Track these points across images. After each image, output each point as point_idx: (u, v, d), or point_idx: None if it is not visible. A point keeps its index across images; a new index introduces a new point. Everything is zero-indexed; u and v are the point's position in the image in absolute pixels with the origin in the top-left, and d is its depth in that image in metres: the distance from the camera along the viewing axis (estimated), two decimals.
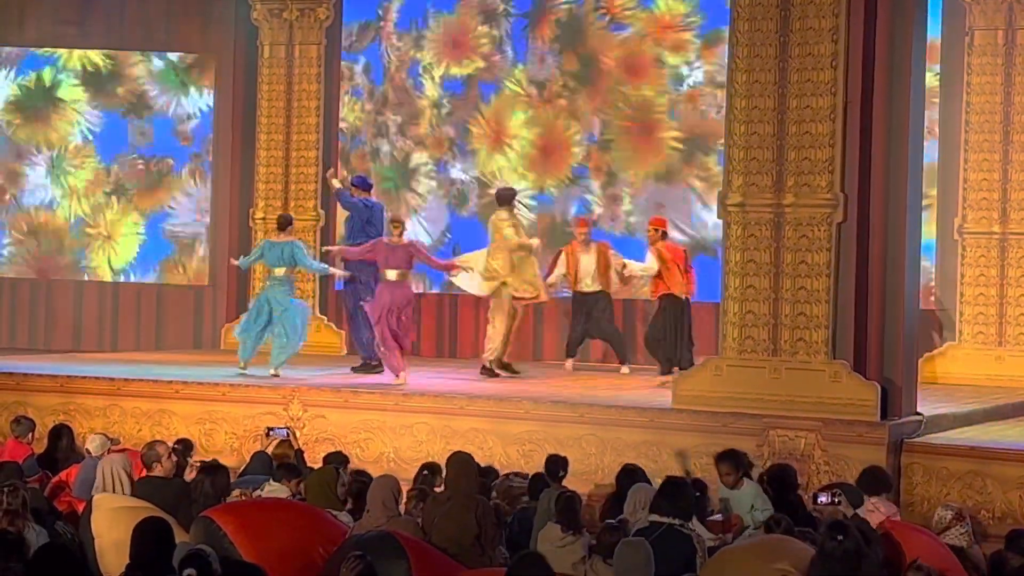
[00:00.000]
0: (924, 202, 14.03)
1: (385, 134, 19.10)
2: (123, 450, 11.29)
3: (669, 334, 15.00)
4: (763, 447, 12.08)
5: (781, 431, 12.11)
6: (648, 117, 18.06)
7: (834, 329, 12.33)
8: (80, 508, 10.00)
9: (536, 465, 11.68)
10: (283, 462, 11.26)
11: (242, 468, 11.89)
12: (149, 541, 7.41)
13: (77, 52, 19.88)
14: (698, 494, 10.00)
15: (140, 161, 19.85)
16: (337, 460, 11.40)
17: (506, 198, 15.84)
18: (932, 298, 16.81)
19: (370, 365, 15.63)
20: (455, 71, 18.77)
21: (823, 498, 9.61)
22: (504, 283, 15.44)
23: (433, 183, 18.90)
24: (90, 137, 19.94)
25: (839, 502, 9.55)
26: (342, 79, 18.86)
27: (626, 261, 15.87)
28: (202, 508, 9.11)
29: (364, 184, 16.37)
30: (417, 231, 18.50)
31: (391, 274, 14.69)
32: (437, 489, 10.53)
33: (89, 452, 11.21)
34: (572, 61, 18.32)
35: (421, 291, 18.71)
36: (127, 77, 19.91)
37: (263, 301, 15.21)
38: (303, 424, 13.59)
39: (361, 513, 9.56)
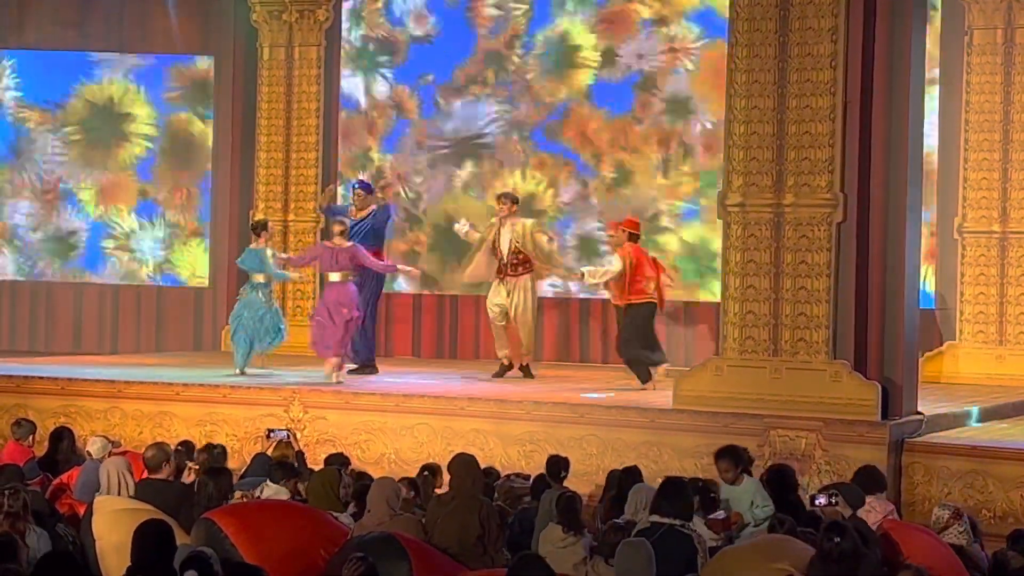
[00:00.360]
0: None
1: None
2: (124, 452, 11.29)
3: (639, 342, 14.63)
4: (764, 447, 12.08)
5: (782, 431, 12.11)
6: None
7: (834, 329, 12.34)
8: (81, 510, 10.00)
9: (537, 466, 11.69)
10: (285, 464, 11.26)
11: (243, 470, 11.89)
12: (150, 543, 7.41)
13: None
14: (712, 495, 10.01)
15: None
16: (338, 461, 11.41)
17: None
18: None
19: (366, 367, 15.68)
20: None
21: (820, 499, 9.62)
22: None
23: None
24: None
25: (836, 503, 9.55)
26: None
27: (584, 270, 15.50)
28: (203, 510, 9.11)
29: (368, 188, 16.38)
30: None
31: (334, 276, 14.98)
32: (438, 490, 10.54)
33: (90, 455, 11.20)
34: None
35: (422, 292, 18.76)
36: None
37: (240, 308, 15.50)
38: (304, 426, 13.60)
39: (363, 515, 9.56)
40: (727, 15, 13.01)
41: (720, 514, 9.86)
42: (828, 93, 12.36)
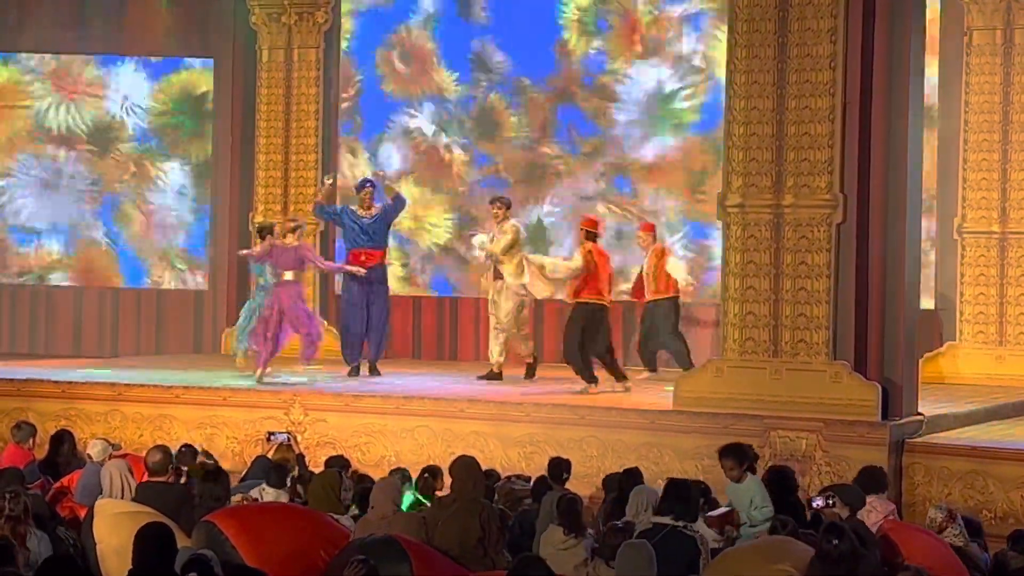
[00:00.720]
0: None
1: None
2: (124, 455, 11.29)
3: (576, 341, 14.47)
4: (764, 448, 12.07)
5: (782, 432, 12.12)
6: None
7: (834, 330, 12.34)
8: (82, 514, 10.00)
9: (538, 468, 11.69)
10: (281, 466, 11.26)
11: (244, 473, 11.89)
12: (151, 546, 7.40)
13: None
14: (703, 500, 9.99)
15: None
16: (338, 464, 11.40)
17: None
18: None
19: (372, 368, 15.72)
20: None
21: (818, 501, 9.63)
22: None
23: None
24: None
25: (833, 504, 9.55)
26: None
27: (544, 261, 15.45)
28: (204, 513, 9.11)
29: (374, 186, 16.34)
30: None
31: (287, 275, 15.20)
32: (439, 493, 10.54)
33: (90, 457, 11.20)
34: None
35: (422, 295, 18.76)
36: None
37: (253, 307, 15.64)
38: (304, 428, 13.60)
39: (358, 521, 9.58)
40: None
41: (720, 510, 9.86)
42: (827, 94, 12.36)
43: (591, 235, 14.77)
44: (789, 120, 12.51)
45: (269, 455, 12.02)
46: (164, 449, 10.32)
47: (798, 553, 8.07)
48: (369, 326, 15.80)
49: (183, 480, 10.50)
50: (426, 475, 11.21)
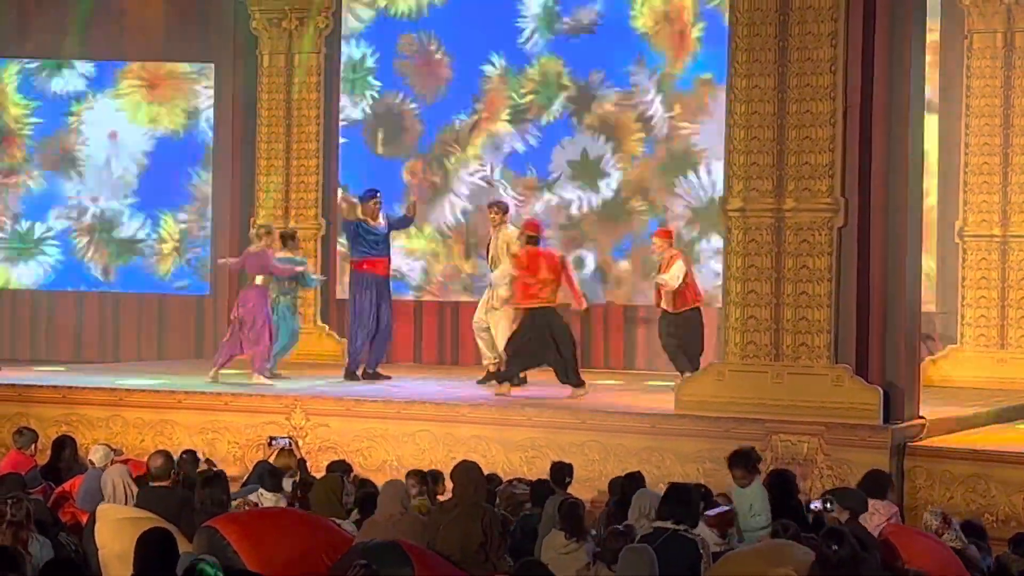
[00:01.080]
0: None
1: None
2: (126, 461, 11.29)
3: (531, 345, 14.44)
4: (766, 452, 12.05)
5: (784, 436, 12.11)
6: None
7: (836, 333, 12.34)
8: (84, 519, 10.00)
9: (539, 472, 11.69)
10: (277, 470, 11.26)
11: (245, 477, 11.88)
12: (153, 552, 7.41)
13: None
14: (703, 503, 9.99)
15: None
16: (340, 469, 11.41)
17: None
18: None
19: (352, 374, 15.74)
20: None
21: (815, 504, 9.62)
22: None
23: None
24: None
25: (831, 508, 9.55)
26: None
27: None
28: (205, 518, 9.11)
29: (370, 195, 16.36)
30: None
31: (258, 279, 15.56)
32: (440, 497, 10.54)
33: (92, 463, 11.20)
34: None
35: (422, 298, 18.77)
36: None
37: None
38: (305, 433, 13.60)
39: (364, 522, 9.58)
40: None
41: (718, 509, 9.86)
42: (828, 98, 12.37)
43: (532, 239, 14.76)
44: (790, 124, 12.51)
45: (270, 460, 12.01)
46: (166, 454, 10.32)
47: (799, 557, 8.08)
48: (376, 333, 15.83)
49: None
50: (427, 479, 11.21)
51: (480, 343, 15.84)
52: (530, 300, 14.57)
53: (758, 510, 10.15)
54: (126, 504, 9.84)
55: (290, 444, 12.42)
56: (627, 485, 10.43)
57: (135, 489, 10.04)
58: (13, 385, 14.79)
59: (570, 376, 14.41)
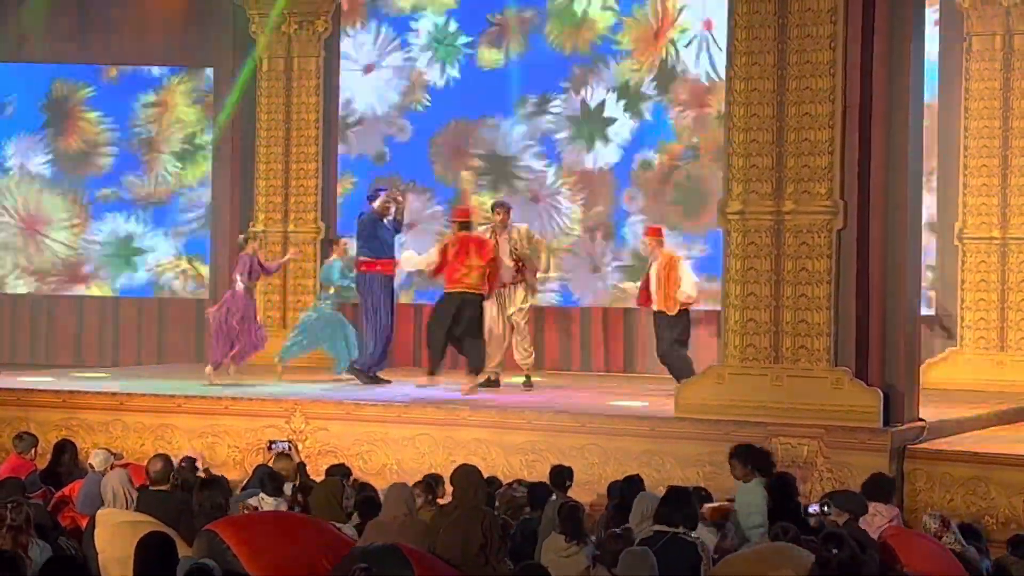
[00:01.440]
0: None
1: None
2: (126, 465, 11.29)
3: (436, 329, 14.73)
4: None
5: (784, 439, 12.10)
6: None
7: (835, 336, 12.33)
8: (83, 523, 10.00)
9: (539, 476, 11.68)
10: (277, 474, 11.26)
11: (245, 482, 11.88)
12: (153, 556, 7.41)
13: None
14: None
15: None
16: (339, 472, 11.40)
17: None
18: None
19: (375, 378, 15.72)
20: None
21: (814, 507, 9.61)
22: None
23: None
24: None
25: (829, 511, 9.55)
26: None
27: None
28: (205, 522, 9.11)
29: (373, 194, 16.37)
30: None
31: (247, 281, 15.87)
32: (440, 501, 10.54)
33: (92, 467, 11.20)
34: None
35: (422, 302, 18.76)
36: None
37: (312, 318, 16.44)
38: (305, 437, 13.59)
39: (364, 526, 9.58)
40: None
41: (716, 503, 9.86)
42: (827, 100, 12.36)
43: (463, 225, 14.92)
44: (789, 126, 12.51)
45: (270, 464, 12.01)
46: (165, 458, 10.33)
47: (799, 559, 8.08)
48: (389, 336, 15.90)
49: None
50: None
51: (512, 338, 15.75)
52: (453, 284, 14.67)
53: (751, 509, 10.15)
54: (126, 508, 9.84)
55: (290, 448, 12.41)
56: (626, 489, 10.43)
57: (135, 494, 10.04)
58: (13, 389, 14.79)
59: (433, 365, 14.70)
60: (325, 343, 16.30)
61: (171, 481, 10.11)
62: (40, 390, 14.78)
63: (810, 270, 12.41)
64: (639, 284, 15.78)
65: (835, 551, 7.74)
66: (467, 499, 9.40)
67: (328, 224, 18.23)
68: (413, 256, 15.82)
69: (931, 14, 15.25)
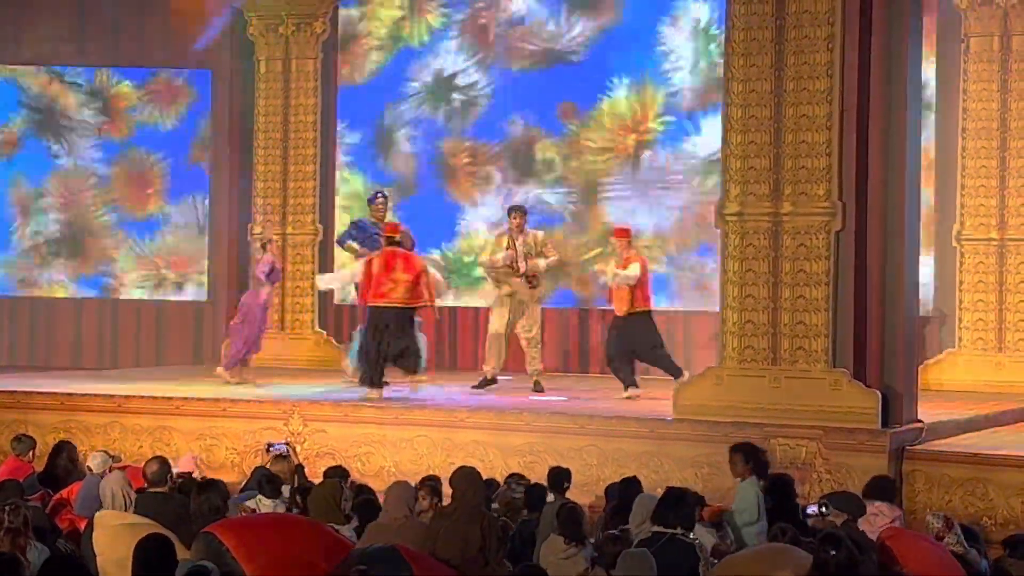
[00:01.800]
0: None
1: None
2: (124, 467, 11.28)
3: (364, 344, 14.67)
4: None
5: (782, 440, 12.11)
6: None
7: (834, 337, 12.33)
8: (82, 526, 9.99)
9: (538, 477, 11.65)
10: (275, 476, 11.25)
11: (243, 484, 11.88)
12: (151, 558, 7.40)
13: None
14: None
15: None
16: (337, 474, 11.39)
17: None
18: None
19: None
20: None
21: (811, 508, 9.61)
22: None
23: None
24: None
25: (827, 512, 9.54)
26: None
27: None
28: (203, 524, 9.10)
29: (382, 196, 16.34)
30: None
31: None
32: (439, 503, 10.54)
33: (90, 469, 11.19)
34: None
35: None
36: None
37: None
38: (303, 439, 13.59)
39: (364, 527, 9.58)
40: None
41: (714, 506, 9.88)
42: (825, 102, 12.36)
43: (390, 240, 14.80)
44: (787, 128, 12.51)
45: (268, 466, 12.00)
46: (161, 460, 10.31)
47: (798, 560, 8.08)
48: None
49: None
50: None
51: (527, 351, 15.70)
52: (376, 299, 14.53)
53: (744, 505, 10.15)
54: (125, 511, 9.83)
55: (288, 450, 12.41)
56: (624, 490, 10.44)
57: (134, 496, 10.03)
58: (11, 391, 14.78)
59: (366, 375, 14.48)
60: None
61: (169, 483, 10.10)
62: (38, 392, 14.77)
63: (808, 271, 12.41)
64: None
65: (833, 552, 7.74)
66: (466, 501, 9.40)
67: (326, 226, 18.23)
68: (327, 275, 16.20)
69: (928, 15, 15.25)
